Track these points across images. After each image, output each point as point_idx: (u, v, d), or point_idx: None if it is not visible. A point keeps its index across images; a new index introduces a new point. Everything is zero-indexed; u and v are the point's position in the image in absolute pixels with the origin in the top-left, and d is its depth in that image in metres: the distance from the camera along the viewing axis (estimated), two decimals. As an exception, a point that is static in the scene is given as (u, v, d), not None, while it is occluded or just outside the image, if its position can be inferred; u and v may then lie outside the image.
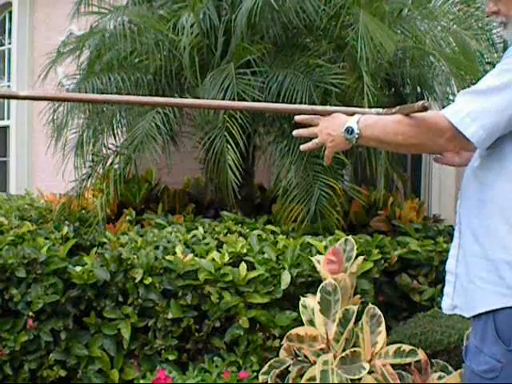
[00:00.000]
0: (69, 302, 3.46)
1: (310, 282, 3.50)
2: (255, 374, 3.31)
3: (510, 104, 1.62)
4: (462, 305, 1.80)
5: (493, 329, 1.68)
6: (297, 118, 1.94)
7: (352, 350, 2.96)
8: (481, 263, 1.72)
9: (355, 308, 3.02)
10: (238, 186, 4.21)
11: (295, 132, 1.95)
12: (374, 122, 1.76)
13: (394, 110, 1.75)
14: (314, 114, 1.91)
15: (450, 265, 1.85)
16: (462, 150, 1.77)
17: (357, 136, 1.74)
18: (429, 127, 1.68)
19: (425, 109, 1.66)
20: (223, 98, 4.12)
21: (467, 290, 1.77)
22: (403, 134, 1.69)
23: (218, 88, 4.16)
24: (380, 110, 1.86)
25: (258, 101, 4.18)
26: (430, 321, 3.45)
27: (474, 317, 1.75)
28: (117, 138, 4.84)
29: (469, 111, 1.64)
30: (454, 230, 1.89)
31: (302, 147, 1.95)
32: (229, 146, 4.15)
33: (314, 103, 4.07)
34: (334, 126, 1.81)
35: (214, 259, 3.49)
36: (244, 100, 4.12)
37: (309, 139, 1.92)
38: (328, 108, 1.95)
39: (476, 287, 1.73)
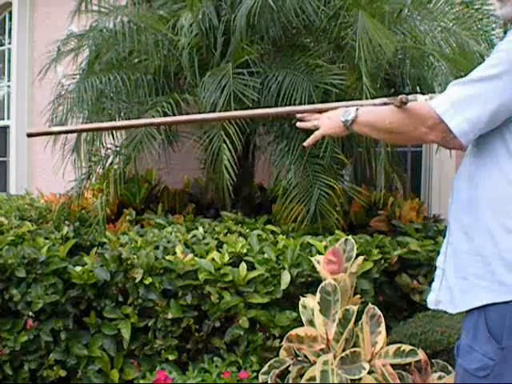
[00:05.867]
0: (69, 302, 3.46)
1: (310, 282, 3.51)
2: (255, 374, 3.31)
3: (493, 98, 1.64)
4: (445, 301, 1.82)
5: (484, 327, 1.69)
6: (299, 115, 2.07)
7: (352, 350, 2.96)
8: (471, 259, 1.74)
9: (355, 308, 3.02)
10: (237, 186, 4.20)
11: (299, 115, 2.07)
12: (370, 110, 1.88)
13: (391, 100, 1.82)
14: (318, 112, 2.02)
15: (439, 261, 1.89)
16: (444, 142, 1.78)
17: (353, 118, 1.86)
18: (413, 114, 1.73)
19: (403, 103, 1.73)
20: (220, 97, 4.12)
21: (454, 286, 1.79)
22: (391, 119, 1.78)
23: (216, 86, 4.16)
24: (377, 101, 1.95)
25: (256, 101, 4.18)
26: (430, 321, 3.45)
27: (466, 314, 1.76)
28: (117, 138, 4.84)
29: (453, 102, 1.67)
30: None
31: (305, 143, 2.08)
32: (225, 146, 4.15)
33: (313, 103, 4.06)
34: (334, 112, 1.95)
35: (214, 259, 3.49)
36: (240, 100, 4.12)
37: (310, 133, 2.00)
38: (330, 105, 2.05)
39: (467, 283, 1.75)
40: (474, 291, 1.73)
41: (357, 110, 1.86)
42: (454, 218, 1.83)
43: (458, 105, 1.66)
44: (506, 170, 1.69)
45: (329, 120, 1.94)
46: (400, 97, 1.73)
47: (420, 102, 1.80)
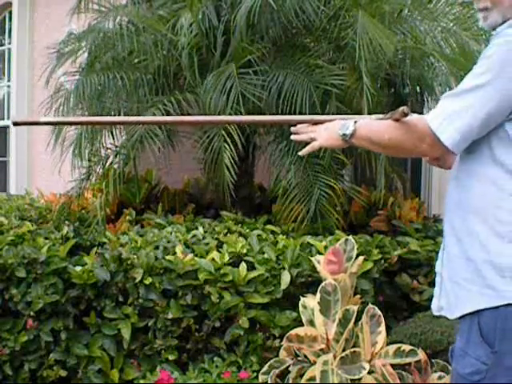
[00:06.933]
0: (69, 302, 3.46)
1: (310, 282, 3.51)
2: (255, 374, 3.31)
3: (482, 106, 1.64)
4: (446, 306, 1.81)
5: (477, 331, 1.68)
6: (293, 128, 2.02)
7: (352, 350, 2.96)
8: (463, 264, 1.73)
9: (355, 308, 3.02)
10: (237, 186, 4.20)
11: (293, 129, 2.02)
12: (369, 124, 1.85)
13: (388, 116, 1.80)
14: (314, 123, 1.98)
15: (437, 266, 1.88)
16: (444, 155, 1.79)
17: (352, 132, 1.83)
18: (411, 132, 1.72)
19: (405, 114, 1.71)
20: (227, 100, 4.12)
21: (450, 291, 1.78)
22: (390, 135, 1.76)
23: (221, 89, 4.15)
24: (374, 116, 1.94)
25: (263, 100, 4.19)
26: (430, 321, 3.45)
27: (460, 318, 1.76)
28: (116, 138, 4.83)
29: (445, 115, 1.67)
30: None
31: (301, 152, 2.03)
32: (226, 146, 4.15)
33: (314, 104, 4.08)
34: (332, 124, 1.91)
35: (214, 259, 3.49)
36: (247, 100, 4.13)
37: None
38: (326, 117, 2.01)
39: (460, 288, 1.74)
40: (466, 296, 1.72)
41: (355, 123, 1.83)
42: (447, 221, 1.82)
43: (449, 118, 1.66)
44: (492, 175, 1.68)
45: (326, 132, 1.91)
46: (401, 108, 1.70)
47: (417, 117, 1.76)
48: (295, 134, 2.02)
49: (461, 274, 1.74)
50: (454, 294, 1.76)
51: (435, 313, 1.88)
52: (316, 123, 1.97)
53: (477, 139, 1.69)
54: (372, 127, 1.83)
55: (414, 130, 1.71)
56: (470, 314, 1.70)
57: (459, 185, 1.77)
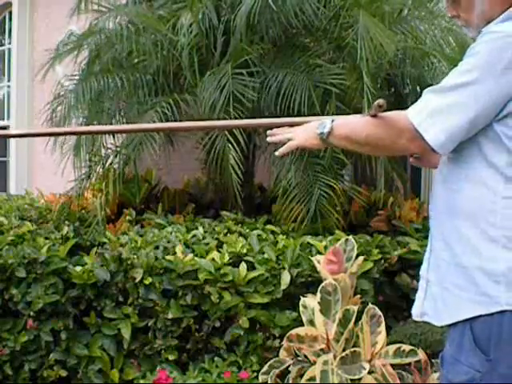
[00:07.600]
0: (69, 302, 3.46)
1: (310, 282, 3.51)
2: (255, 374, 3.31)
3: (470, 104, 1.58)
4: (431, 312, 1.75)
5: (470, 338, 1.63)
6: (269, 132, 1.97)
7: (352, 350, 2.96)
8: (453, 269, 1.68)
9: (355, 308, 3.02)
10: (239, 186, 4.20)
11: (269, 132, 1.98)
12: (347, 122, 1.82)
13: (365, 114, 1.78)
14: (292, 126, 1.95)
15: (422, 269, 1.82)
16: (426, 152, 1.72)
17: (329, 130, 1.77)
18: (389, 127, 1.67)
19: (380, 107, 1.66)
20: (219, 97, 4.12)
21: (437, 296, 1.73)
22: (368, 132, 1.71)
23: (215, 86, 4.16)
24: (350, 117, 1.94)
25: (256, 101, 4.18)
26: (430, 321, 3.45)
27: (450, 325, 1.70)
28: (116, 138, 4.84)
29: (429, 112, 1.61)
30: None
31: (277, 152, 1.98)
32: (230, 146, 4.15)
33: (313, 103, 4.08)
34: (310, 124, 1.87)
35: (214, 259, 3.49)
36: (239, 100, 4.13)
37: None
38: (304, 119, 2.00)
39: (449, 294, 1.69)
40: (456, 303, 1.67)
41: (332, 121, 1.78)
42: (435, 224, 1.77)
43: (433, 115, 1.60)
44: (484, 177, 1.63)
45: (304, 132, 1.85)
46: (376, 102, 1.66)
47: (396, 113, 1.72)
48: (271, 136, 1.96)
49: (450, 279, 1.68)
50: (442, 299, 1.71)
51: (416, 318, 1.80)
52: (293, 125, 1.93)
53: (465, 140, 1.63)
54: (350, 125, 1.79)
55: (393, 125, 1.66)
56: (462, 320, 1.65)
57: (447, 187, 1.71)
